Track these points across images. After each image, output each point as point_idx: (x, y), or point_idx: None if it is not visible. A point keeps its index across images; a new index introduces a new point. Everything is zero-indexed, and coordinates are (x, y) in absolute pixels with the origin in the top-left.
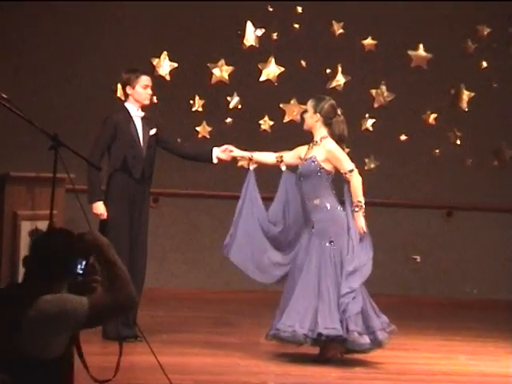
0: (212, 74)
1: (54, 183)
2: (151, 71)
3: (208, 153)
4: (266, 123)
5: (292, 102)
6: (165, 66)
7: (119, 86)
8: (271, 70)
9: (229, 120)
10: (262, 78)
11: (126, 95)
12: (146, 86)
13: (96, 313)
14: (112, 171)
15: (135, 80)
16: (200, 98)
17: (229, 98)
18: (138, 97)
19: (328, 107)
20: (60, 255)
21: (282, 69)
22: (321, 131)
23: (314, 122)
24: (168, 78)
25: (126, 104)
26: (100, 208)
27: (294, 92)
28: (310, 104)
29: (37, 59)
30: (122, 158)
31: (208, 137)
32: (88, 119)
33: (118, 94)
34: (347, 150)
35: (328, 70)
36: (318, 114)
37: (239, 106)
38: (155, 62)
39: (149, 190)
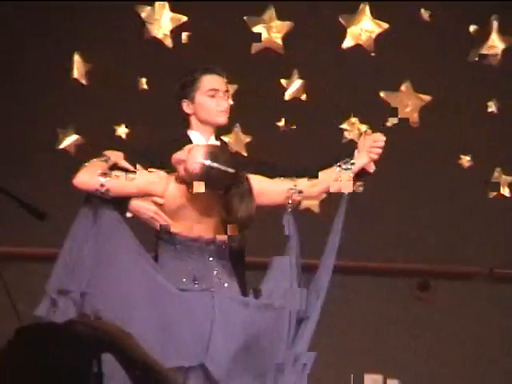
0: None
1: None
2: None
3: None
4: None
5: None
6: None
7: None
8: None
9: None
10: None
11: (188, 119)
12: (213, 92)
13: None
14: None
15: (193, 86)
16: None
17: None
18: (204, 115)
19: None
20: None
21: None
22: None
23: None
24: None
25: (191, 133)
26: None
27: None
28: None
29: None
30: None
31: None
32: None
33: None
34: None
35: None
36: None
37: None
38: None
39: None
